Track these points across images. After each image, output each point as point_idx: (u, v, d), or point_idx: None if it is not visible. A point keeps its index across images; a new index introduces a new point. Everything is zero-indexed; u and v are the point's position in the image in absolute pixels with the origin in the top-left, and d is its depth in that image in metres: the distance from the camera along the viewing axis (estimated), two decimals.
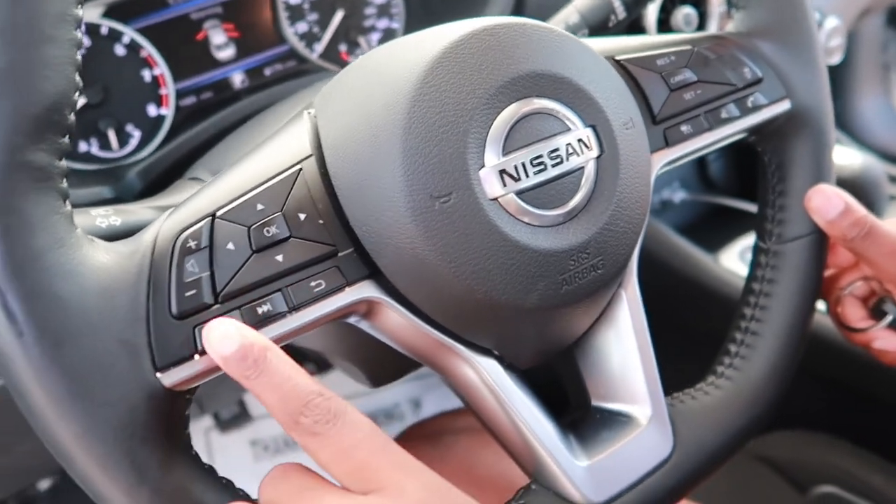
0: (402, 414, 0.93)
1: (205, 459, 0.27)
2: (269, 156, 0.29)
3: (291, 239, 0.27)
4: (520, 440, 0.31)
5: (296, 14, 0.58)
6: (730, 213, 0.74)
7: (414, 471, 0.26)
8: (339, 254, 0.28)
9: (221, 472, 0.27)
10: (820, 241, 0.39)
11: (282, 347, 0.26)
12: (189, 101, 0.54)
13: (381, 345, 0.32)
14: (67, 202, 0.24)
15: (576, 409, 0.35)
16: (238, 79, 0.56)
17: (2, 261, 0.22)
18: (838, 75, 0.86)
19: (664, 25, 0.60)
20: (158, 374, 0.24)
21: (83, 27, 0.24)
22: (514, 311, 0.29)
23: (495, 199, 0.28)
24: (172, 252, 0.25)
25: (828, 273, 0.41)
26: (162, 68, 0.53)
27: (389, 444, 0.26)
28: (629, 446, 0.32)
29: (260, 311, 0.26)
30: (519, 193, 0.28)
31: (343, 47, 0.60)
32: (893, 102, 0.90)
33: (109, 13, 0.51)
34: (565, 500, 0.31)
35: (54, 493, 0.72)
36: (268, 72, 0.57)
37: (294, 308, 0.26)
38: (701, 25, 0.62)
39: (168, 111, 0.53)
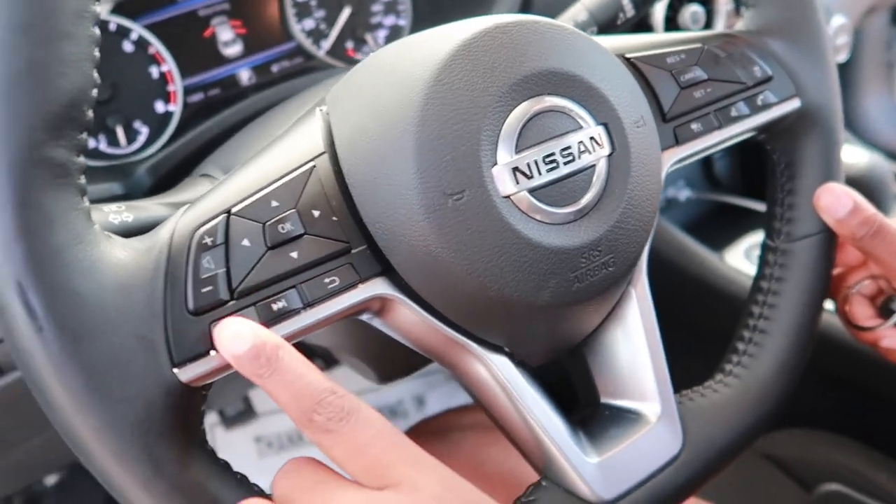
0: (405, 411, 0.93)
1: None
2: (282, 153, 0.29)
3: (305, 236, 0.27)
4: (530, 437, 0.31)
5: (303, 11, 0.58)
6: (735, 211, 0.74)
7: (427, 466, 0.26)
8: (353, 251, 0.28)
9: None
10: (829, 240, 0.39)
11: (291, 344, 0.26)
12: (197, 97, 0.54)
13: (390, 341, 0.32)
14: (85, 198, 0.24)
15: (585, 407, 0.35)
16: (245, 75, 0.56)
17: (23, 256, 0.22)
18: (843, 73, 0.86)
19: (671, 23, 0.60)
20: (175, 370, 0.24)
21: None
22: (526, 309, 0.29)
23: (508, 196, 0.28)
24: (189, 248, 0.25)
25: (836, 271, 0.41)
26: (170, 65, 0.53)
27: (403, 440, 0.26)
28: (639, 443, 0.32)
29: (275, 307, 0.26)
30: (531, 191, 0.28)
31: (350, 44, 0.60)
32: None
33: (118, 9, 0.51)
34: (576, 496, 0.31)
35: (61, 489, 0.73)
36: (275, 68, 0.57)
37: (308, 304, 0.27)
38: (708, 23, 0.62)
39: (176, 108, 0.53)
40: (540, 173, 0.28)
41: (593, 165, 0.30)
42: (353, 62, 0.60)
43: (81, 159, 0.23)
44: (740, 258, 0.65)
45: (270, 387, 0.25)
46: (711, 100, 0.36)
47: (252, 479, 0.28)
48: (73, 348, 0.22)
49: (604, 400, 0.35)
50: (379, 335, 0.32)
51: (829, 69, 0.39)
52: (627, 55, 0.36)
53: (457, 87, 0.28)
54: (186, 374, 0.25)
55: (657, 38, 0.38)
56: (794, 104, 0.38)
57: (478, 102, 0.28)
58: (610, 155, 0.30)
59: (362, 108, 0.29)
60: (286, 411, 0.25)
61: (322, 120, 0.30)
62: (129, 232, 0.27)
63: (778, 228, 0.40)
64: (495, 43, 0.29)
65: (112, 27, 0.50)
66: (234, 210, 0.26)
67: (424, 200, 0.27)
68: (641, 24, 0.60)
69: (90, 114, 0.23)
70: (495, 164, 0.28)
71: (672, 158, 0.36)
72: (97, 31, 0.24)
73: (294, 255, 0.26)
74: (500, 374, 0.30)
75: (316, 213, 0.27)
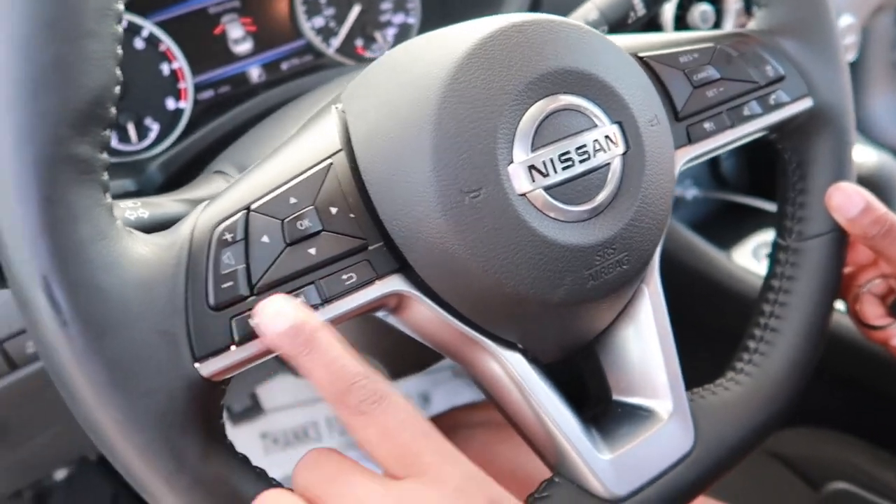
0: None
1: None
2: (299, 150, 0.29)
3: (323, 232, 0.27)
4: (543, 433, 0.31)
5: (313, 9, 0.58)
6: (742, 210, 0.74)
7: (453, 459, 0.26)
8: (370, 247, 0.28)
9: None
10: (840, 239, 0.39)
11: None
12: (207, 94, 0.55)
13: (402, 337, 0.32)
14: (108, 194, 0.24)
15: (597, 404, 0.35)
16: (255, 73, 0.57)
17: (48, 252, 0.22)
18: (851, 73, 0.85)
19: (681, 22, 0.60)
20: (197, 365, 0.25)
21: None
22: (541, 306, 0.29)
23: (524, 194, 0.28)
24: (209, 244, 0.25)
25: (846, 270, 0.41)
26: (181, 62, 0.53)
27: (432, 429, 0.27)
28: (651, 440, 0.33)
29: None
30: (547, 189, 0.28)
31: (359, 42, 0.60)
32: None
33: (129, 7, 0.51)
34: (588, 492, 0.31)
35: (69, 483, 0.73)
36: (285, 66, 0.58)
37: (326, 301, 0.27)
38: (717, 23, 0.62)
39: (186, 104, 0.53)
40: (555, 171, 0.29)
41: (608, 164, 0.30)
42: (362, 60, 0.60)
43: (105, 156, 0.24)
44: (748, 257, 0.66)
45: (308, 365, 0.25)
46: (724, 99, 0.36)
47: None
48: (96, 343, 0.22)
49: (615, 397, 0.35)
50: (390, 331, 0.32)
51: (841, 69, 0.40)
52: (640, 54, 0.36)
53: (473, 85, 0.28)
54: (207, 368, 0.25)
55: (670, 38, 0.38)
56: (806, 103, 0.39)
57: (494, 101, 0.28)
58: (624, 153, 0.30)
59: (379, 106, 0.29)
60: (321, 391, 0.25)
61: (338, 118, 0.30)
62: (144, 228, 0.27)
63: (789, 227, 0.40)
64: (511, 41, 0.29)
65: (123, 24, 0.50)
66: (253, 207, 0.27)
67: (441, 198, 0.27)
68: (651, 24, 0.60)
69: (113, 111, 0.24)
70: (511, 162, 0.28)
71: (685, 157, 0.36)
72: (120, 28, 0.24)
73: (312, 251, 0.27)
74: (513, 370, 0.31)
75: (333, 210, 0.27)
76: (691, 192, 0.75)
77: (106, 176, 0.24)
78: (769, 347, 0.38)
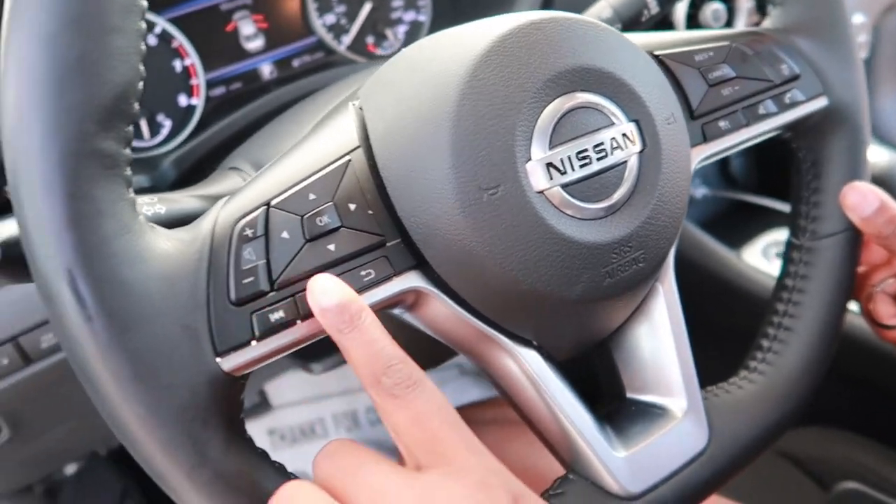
0: None
1: None
2: (317, 147, 0.29)
3: (342, 229, 0.27)
4: (558, 430, 0.32)
5: (324, 6, 0.58)
6: (751, 209, 0.74)
7: (478, 452, 0.27)
8: (388, 244, 0.28)
9: None
10: (854, 238, 0.39)
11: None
12: (218, 91, 0.55)
13: (416, 334, 0.32)
14: (131, 189, 0.24)
15: (610, 401, 0.36)
16: (267, 70, 0.57)
17: (73, 246, 0.22)
18: None
19: (693, 21, 0.60)
20: (218, 359, 0.25)
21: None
22: (558, 303, 0.29)
23: (541, 191, 0.28)
24: (230, 240, 0.26)
25: (860, 270, 0.41)
26: (193, 58, 0.53)
27: (459, 420, 0.27)
28: (666, 438, 0.33)
29: None
30: (564, 186, 0.28)
31: (370, 39, 0.60)
32: None
33: None
34: (603, 490, 0.31)
35: (79, 478, 0.73)
36: (296, 63, 0.58)
37: None
38: (729, 21, 0.62)
39: (198, 101, 0.54)
40: (573, 169, 0.29)
41: (625, 162, 0.30)
42: (373, 57, 0.60)
43: (128, 151, 0.24)
44: (758, 256, 0.65)
45: (348, 343, 0.26)
46: (739, 97, 0.36)
47: None
48: (120, 337, 0.23)
49: (629, 395, 0.35)
50: (403, 328, 0.32)
51: (856, 68, 0.40)
52: (656, 52, 0.36)
53: (492, 82, 0.28)
54: (229, 363, 0.25)
55: (685, 36, 0.38)
56: (821, 102, 0.39)
57: (512, 98, 0.28)
58: (641, 151, 0.30)
59: (397, 103, 0.29)
60: (357, 370, 0.26)
61: (355, 115, 0.30)
62: (161, 224, 0.27)
63: (803, 226, 0.40)
64: (529, 39, 0.29)
65: None
66: (273, 203, 0.27)
67: (460, 195, 0.27)
68: (663, 22, 0.60)
69: (137, 106, 0.24)
70: (529, 159, 0.28)
71: (700, 155, 0.36)
72: (143, 24, 0.24)
73: (331, 247, 0.27)
74: (529, 367, 0.31)
75: (352, 207, 0.28)
76: (700, 191, 0.75)
77: (129, 171, 0.24)
78: (783, 346, 0.38)
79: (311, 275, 0.26)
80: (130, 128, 0.24)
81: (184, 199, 0.32)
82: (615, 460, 0.31)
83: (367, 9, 0.59)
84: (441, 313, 0.30)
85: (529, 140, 0.28)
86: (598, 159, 0.29)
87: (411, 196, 0.28)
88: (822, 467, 0.54)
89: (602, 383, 0.36)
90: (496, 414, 0.54)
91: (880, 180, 0.59)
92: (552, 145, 0.28)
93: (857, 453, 0.54)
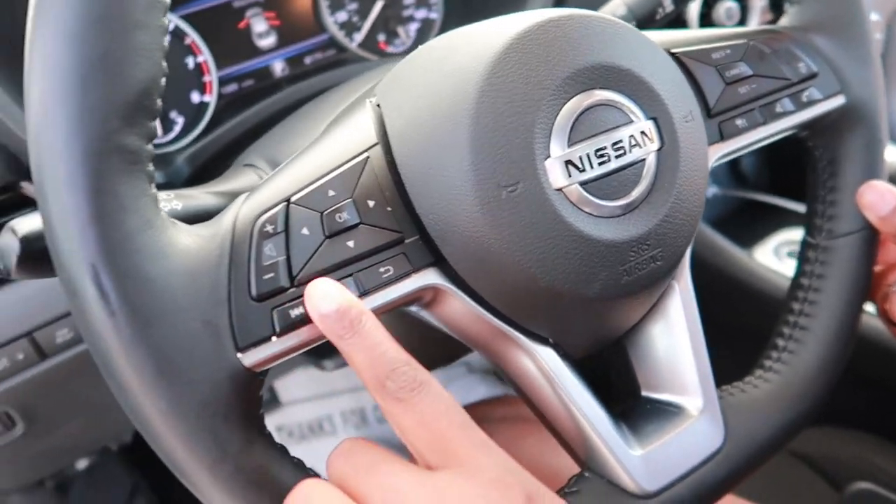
0: None
1: None
2: (336, 143, 0.29)
3: (361, 225, 0.27)
4: (574, 428, 0.31)
5: (336, 4, 0.58)
6: (762, 208, 0.74)
7: (490, 450, 0.26)
8: (406, 241, 0.28)
9: None
10: (871, 238, 0.39)
11: None
12: (231, 88, 0.55)
13: (428, 332, 0.32)
14: (153, 185, 0.24)
15: (625, 399, 0.35)
16: (279, 67, 0.57)
17: (97, 241, 0.22)
18: None
19: (706, 19, 0.60)
20: (239, 355, 0.25)
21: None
22: (576, 301, 0.29)
23: (560, 189, 0.28)
24: (251, 236, 0.26)
25: (876, 269, 0.41)
26: (206, 55, 0.53)
27: (468, 420, 0.27)
28: (682, 437, 0.32)
29: None
30: (582, 184, 0.28)
31: (382, 37, 0.60)
32: None
33: None
34: (619, 488, 0.31)
35: (90, 473, 0.74)
36: (308, 60, 0.58)
37: (364, 293, 0.27)
38: (742, 19, 0.61)
39: (211, 98, 0.54)
40: (591, 167, 0.28)
41: (643, 160, 0.30)
42: (384, 55, 0.60)
43: (150, 147, 0.24)
44: (769, 255, 0.65)
45: (349, 349, 0.25)
46: (756, 96, 0.36)
47: None
48: (143, 332, 0.23)
49: (644, 393, 0.35)
50: (416, 325, 0.32)
51: (874, 66, 0.39)
52: (672, 50, 0.36)
53: (511, 79, 0.28)
54: (249, 358, 0.25)
55: (702, 34, 0.38)
56: (838, 101, 0.38)
57: (532, 95, 0.28)
58: (659, 149, 0.30)
59: (415, 100, 0.29)
60: (360, 375, 0.26)
61: (373, 111, 0.30)
62: (178, 219, 0.27)
63: (819, 226, 0.40)
64: (548, 36, 0.29)
65: None
66: (293, 199, 0.27)
67: (479, 192, 0.27)
68: (676, 21, 0.60)
69: (159, 102, 0.24)
70: (548, 156, 0.28)
71: (717, 154, 0.36)
72: (167, 20, 0.24)
73: (350, 244, 0.27)
74: (545, 365, 0.31)
75: (371, 203, 0.28)
76: (711, 190, 0.75)
77: (152, 167, 0.24)
78: (799, 346, 0.38)
79: (331, 271, 0.26)
80: (153, 124, 0.24)
81: (200, 196, 0.32)
82: (631, 458, 0.31)
83: (378, 6, 0.59)
84: (458, 310, 0.30)
85: (548, 137, 0.28)
86: (617, 157, 0.29)
87: (429, 193, 0.28)
88: (834, 467, 0.54)
89: (617, 381, 0.36)
90: (507, 411, 0.54)
91: (893, 180, 0.59)
92: (571, 143, 0.28)
93: (870, 453, 0.54)
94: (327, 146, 0.29)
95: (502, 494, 0.26)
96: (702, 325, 0.35)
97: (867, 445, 0.55)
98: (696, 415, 0.33)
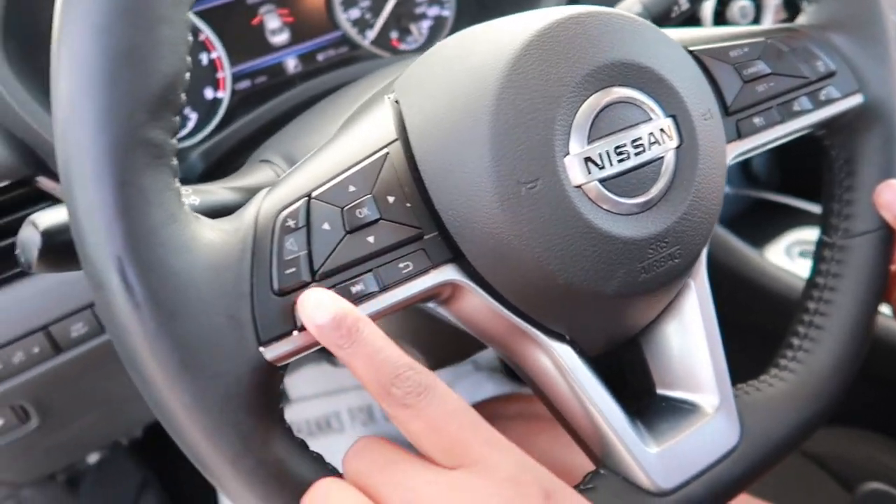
0: None
1: None
2: (355, 140, 0.29)
3: (381, 221, 0.27)
4: (590, 425, 0.31)
5: (349, 1, 0.58)
6: (773, 207, 0.74)
7: (504, 448, 0.26)
8: (425, 237, 0.28)
9: None
10: (887, 237, 0.39)
11: None
12: (244, 84, 0.55)
13: (443, 328, 0.32)
14: (176, 179, 0.24)
15: (640, 397, 0.35)
16: (291, 64, 0.57)
17: (123, 234, 0.22)
18: None
19: (720, 18, 0.60)
20: (261, 349, 0.25)
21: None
22: (594, 298, 0.29)
23: (579, 186, 0.28)
24: (273, 231, 0.26)
25: (893, 268, 0.41)
26: (219, 52, 0.53)
27: (478, 419, 0.26)
28: (697, 435, 0.32)
29: (353, 290, 0.26)
30: (602, 181, 0.28)
31: (394, 34, 0.60)
32: None
33: None
34: (635, 485, 0.31)
35: (100, 467, 0.74)
36: (320, 57, 0.58)
37: (384, 288, 0.27)
38: (756, 18, 0.61)
39: (224, 94, 0.54)
40: (611, 164, 0.28)
41: (662, 157, 0.30)
42: (397, 52, 0.60)
43: (174, 141, 0.24)
44: (781, 255, 0.65)
45: (349, 358, 0.25)
46: (774, 94, 0.36)
47: None
48: (168, 325, 0.23)
49: (660, 391, 0.35)
50: (430, 321, 0.32)
51: (892, 65, 0.39)
52: (690, 48, 0.36)
53: (531, 76, 0.28)
54: (271, 352, 0.25)
55: (720, 32, 0.38)
56: (856, 99, 0.38)
57: (551, 92, 0.28)
58: (678, 147, 0.30)
59: (434, 97, 0.29)
60: (364, 383, 0.25)
61: (391, 108, 0.30)
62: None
63: (835, 225, 0.39)
64: (568, 33, 0.29)
65: None
66: (314, 194, 0.27)
67: (498, 188, 0.27)
68: (690, 19, 0.60)
69: (183, 96, 0.24)
70: (568, 153, 0.28)
71: (734, 152, 0.36)
72: (190, 14, 0.24)
73: (370, 239, 0.27)
74: (562, 362, 0.31)
75: (391, 199, 0.28)
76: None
77: (175, 161, 0.24)
78: (814, 345, 0.37)
79: (351, 266, 0.27)
80: (177, 118, 0.24)
81: (218, 191, 0.33)
82: (647, 456, 0.31)
83: (391, 4, 0.59)
84: (476, 307, 0.30)
85: (568, 134, 0.28)
86: (636, 154, 0.29)
87: (449, 189, 0.28)
88: (846, 468, 0.54)
89: (632, 379, 0.36)
90: (520, 408, 0.54)
91: None
92: (590, 140, 0.28)
93: (882, 454, 0.54)
94: (346, 142, 0.29)
95: (518, 492, 0.25)
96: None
97: (879, 446, 0.55)
98: (711, 413, 0.33)
